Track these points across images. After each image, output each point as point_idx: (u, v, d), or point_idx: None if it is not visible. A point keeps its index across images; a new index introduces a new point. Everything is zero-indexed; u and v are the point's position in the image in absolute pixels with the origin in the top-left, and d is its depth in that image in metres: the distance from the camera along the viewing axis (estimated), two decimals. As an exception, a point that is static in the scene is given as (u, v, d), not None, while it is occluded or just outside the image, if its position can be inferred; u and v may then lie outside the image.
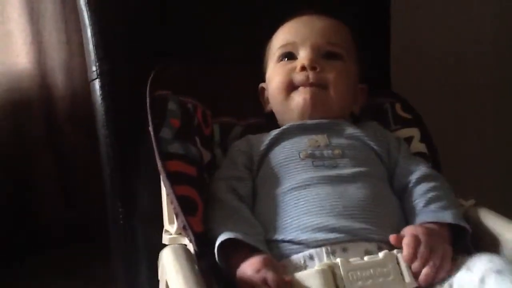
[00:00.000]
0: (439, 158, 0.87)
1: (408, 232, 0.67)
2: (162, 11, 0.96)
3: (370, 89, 0.93)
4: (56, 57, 1.22)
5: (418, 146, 0.87)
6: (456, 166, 1.02)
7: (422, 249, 0.64)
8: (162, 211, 0.78)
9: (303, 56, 0.85)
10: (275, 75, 0.86)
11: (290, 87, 0.83)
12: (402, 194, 0.77)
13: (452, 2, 1.40)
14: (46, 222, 1.27)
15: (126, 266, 0.93)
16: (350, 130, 0.82)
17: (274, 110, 0.89)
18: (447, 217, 0.70)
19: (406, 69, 1.20)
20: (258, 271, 0.63)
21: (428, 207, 0.72)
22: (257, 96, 0.93)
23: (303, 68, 0.83)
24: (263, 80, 0.92)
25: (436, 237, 0.67)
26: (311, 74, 0.82)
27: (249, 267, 0.64)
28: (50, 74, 1.23)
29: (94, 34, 0.94)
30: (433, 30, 1.37)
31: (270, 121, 0.90)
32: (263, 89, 0.92)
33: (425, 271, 0.63)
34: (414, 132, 0.89)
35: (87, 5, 0.94)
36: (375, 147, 0.81)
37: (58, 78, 1.23)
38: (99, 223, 1.00)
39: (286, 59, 0.86)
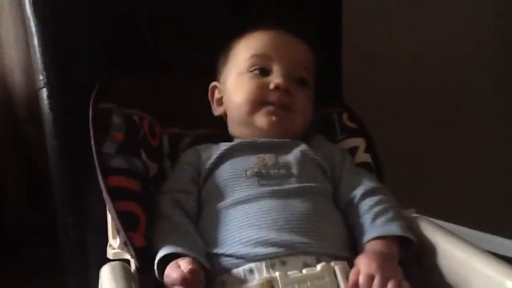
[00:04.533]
0: (382, 169, 0.89)
1: (363, 271, 0.66)
2: (113, 21, 0.95)
3: (320, 99, 0.93)
4: (14, 55, 1.20)
5: (363, 156, 0.89)
6: (402, 175, 1.04)
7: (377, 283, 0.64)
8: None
9: (277, 74, 0.84)
10: (243, 86, 0.84)
11: (259, 103, 0.83)
12: (347, 209, 0.78)
13: (406, 7, 1.42)
14: (9, 224, 1.26)
15: (78, 279, 0.93)
16: (299, 147, 0.82)
17: (229, 117, 0.89)
18: (395, 229, 0.71)
19: (357, 78, 1.21)
20: (178, 267, 0.64)
21: (375, 222, 0.73)
22: (206, 106, 0.92)
23: (277, 88, 0.82)
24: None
25: (390, 262, 0.67)
26: (282, 96, 0.82)
27: (168, 267, 0.65)
28: (9, 73, 1.21)
29: (41, 43, 0.92)
30: (385, 37, 1.39)
31: (219, 131, 0.91)
32: (215, 88, 0.91)
33: None
34: (359, 142, 0.91)
35: (33, 12, 0.92)
36: (321, 162, 0.82)
37: (18, 77, 1.21)
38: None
39: (258, 71, 0.85)
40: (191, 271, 0.63)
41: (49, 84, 0.92)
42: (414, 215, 0.81)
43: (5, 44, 1.19)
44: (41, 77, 0.92)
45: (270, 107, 0.82)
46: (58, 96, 0.92)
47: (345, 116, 0.95)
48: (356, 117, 0.95)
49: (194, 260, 0.65)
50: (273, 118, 0.82)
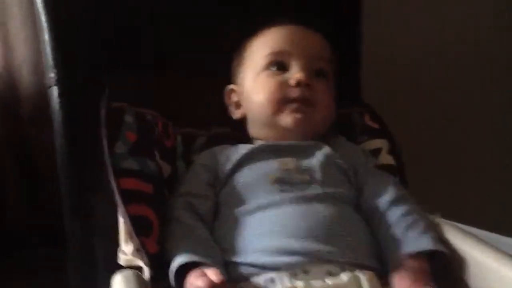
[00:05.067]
0: (405, 171, 0.85)
1: None
2: (125, 19, 0.91)
3: (339, 98, 0.89)
4: (22, 53, 1.17)
5: (386, 158, 0.85)
6: (423, 176, 1.00)
7: None
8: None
9: (297, 69, 0.81)
10: (262, 85, 0.81)
11: (282, 101, 0.79)
12: (372, 217, 0.74)
13: (425, 6, 1.38)
14: (9, 224, 1.23)
15: (83, 282, 0.89)
16: (322, 151, 0.79)
17: (250, 119, 0.85)
18: (428, 244, 0.68)
19: (376, 76, 1.17)
20: (203, 275, 0.61)
21: (406, 235, 0.69)
22: (221, 105, 0.89)
23: (298, 84, 0.79)
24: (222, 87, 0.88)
25: (425, 278, 0.65)
26: (305, 92, 0.79)
27: (192, 276, 0.62)
28: (16, 69, 1.18)
29: (52, 38, 0.89)
30: (404, 35, 1.35)
31: (235, 130, 0.87)
32: (232, 91, 0.88)
33: None
34: (382, 143, 0.87)
35: (44, 6, 0.89)
36: (344, 166, 0.78)
37: (25, 76, 1.18)
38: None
39: (275, 68, 0.82)
40: (222, 282, 0.60)
41: (59, 82, 0.88)
42: (439, 219, 0.77)
43: (13, 41, 1.17)
44: (51, 75, 0.89)
45: (294, 105, 0.79)
46: (69, 95, 0.88)
47: (367, 117, 0.92)
48: (378, 117, 0.92)
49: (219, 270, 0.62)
50: (298, 115, 0.78)
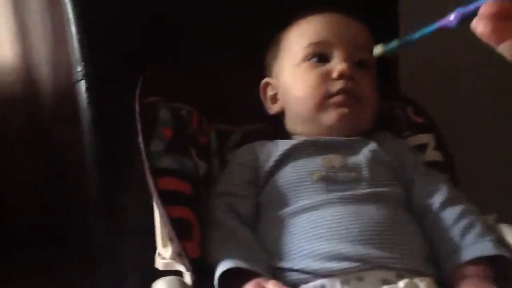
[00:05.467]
0: (455, 167, 0.80)
1: None
2: (155, 10, 0.87)
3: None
4: (41, 50, 1.16)
5: (433, 154, 0.81)
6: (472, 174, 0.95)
7: None
8: (154, 227, 0.70)
9: (339, 60, 0.75)
10: (302, 79, 0.76)
11: (324, 96, 0.74)
12: (423, 218, 0.70)
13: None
14: (27, 223, 1.21)
15: (111, 286, 0.86)
16: (368, 146, 0.74)
17: (288, 114, 0.80)
18: (489, 248, 0.63)
19: (413, 68, 1.12)
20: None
21: (465, 240, 0.65)
22: (256, 100, 0.84)
23: (341, 76, 0.74)
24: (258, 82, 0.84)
25: (490, 286, 0.61)
26: (349, 84, 0.74)
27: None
28: (36, 68, 1.17)
29: (79, 31, 0.85)
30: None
31: (271, 126, 0.83)
32: (268, 84, 0.83)
33: None
34: (428, 138, 0.82)
35: (71, -2, 0.85)
36: (391, 163, 0.74)
37: (44, 72, 1.17)
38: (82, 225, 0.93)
39: (315, 60, 0.77)
40: None
41: (87, 76, 0.85)
42: (494, 221, 0.73)
43: (32, 37, 1.15)
44: (79, 69, 0.85)
45: (337, 98, 0.74)
46: (98, 89, 0.84)
47: (410, 110, 0.87)
48: (422, 110, 0.87)
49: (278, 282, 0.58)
50: (345, 110, 0.73)
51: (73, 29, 0.85)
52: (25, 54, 1.14)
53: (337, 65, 0.75)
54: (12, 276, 1.11)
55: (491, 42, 0.50)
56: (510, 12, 0.49)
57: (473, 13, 0.51)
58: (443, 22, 0.56)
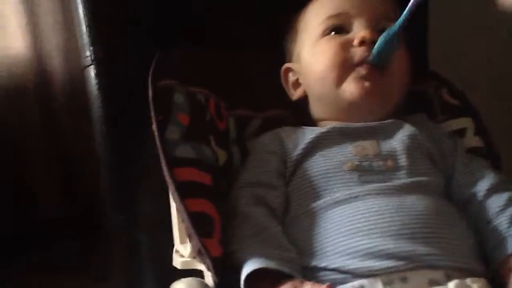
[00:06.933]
0: (499, 153, 0.74)
1: None
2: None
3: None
4: (52, 40, 1.18)
5: (474, 140, 0.74)
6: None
7: None
8: (171, 221, 0.65)
9: (360, 28, 0.69)
10: (322, 51, 0.70)
11: (345, 67, 0.68)
12: (466, 208, 0.64)
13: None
14: (42, 212, 1.24)
15: (129, 284, 0.81)
16: (404, 130, 0.68)
17: (310, 96, 0.75)
18: None
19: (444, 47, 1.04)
20: None
21: None
22: (276, 84, 0.78)
23: (362, 43, 0.67)
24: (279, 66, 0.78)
25: None
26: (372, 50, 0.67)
27: None
28: (47, 58, 1.19)
29: (87, 13, 0.80)
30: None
31: (293, 112, 0.77)
32: (289, 70, 0.77)
33: None
34: (467, 122, 0.76)
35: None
36: (430, 149, 0.67)
37: (55, 62, 1.19)
38: (98, 215, 0.90)
39: (333, 33, 0.71)
40: None
41: (97, 61, 0.79)
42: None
43: (43, 27, 1.16)
44: (87, 53, 0.80)
45: (361, 69, 0.67)
46: (108, 74, 0.79)
47: (444, 92, 0.80)
48: (458, 91, 0.80)
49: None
50: (366, 84, 0.67)
51: (80, 11, 0.80)
52: (36, 44, 1.16)
53: (358, 32, 0.69)
54: (43, 269, 1.13)
55: None
56: None
57: None
58: None
